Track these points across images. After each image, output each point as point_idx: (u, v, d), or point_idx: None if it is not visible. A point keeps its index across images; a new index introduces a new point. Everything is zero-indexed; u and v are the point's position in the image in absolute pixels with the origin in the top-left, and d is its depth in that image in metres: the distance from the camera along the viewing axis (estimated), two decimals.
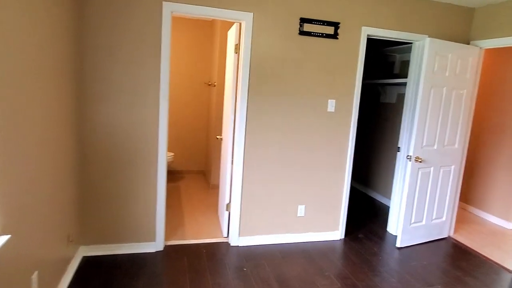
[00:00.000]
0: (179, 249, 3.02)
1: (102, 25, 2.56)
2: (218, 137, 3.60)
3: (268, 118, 3.05)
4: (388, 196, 4.66)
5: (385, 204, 4.69)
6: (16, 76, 1.59)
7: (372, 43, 4.91)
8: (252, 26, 2.85)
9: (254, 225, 3.20)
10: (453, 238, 3.68)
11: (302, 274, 2.76)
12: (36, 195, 1.87)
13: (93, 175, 2.73)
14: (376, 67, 4.95)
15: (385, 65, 4.79)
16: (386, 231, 3.76)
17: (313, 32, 2.99)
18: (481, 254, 3.34)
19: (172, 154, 4.89)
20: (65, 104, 2.29)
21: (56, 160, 2.16)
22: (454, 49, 3.21)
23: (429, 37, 3.28)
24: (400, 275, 2.84)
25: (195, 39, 5.18)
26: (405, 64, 4.41)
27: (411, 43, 3.48)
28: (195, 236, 3.29)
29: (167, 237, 3.20)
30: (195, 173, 5.57)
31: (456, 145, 3.48)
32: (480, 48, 3.38)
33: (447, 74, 3.22)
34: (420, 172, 3.29)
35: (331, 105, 3.18)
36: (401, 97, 4.47)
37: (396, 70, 4.55)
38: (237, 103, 3.03)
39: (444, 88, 3.24)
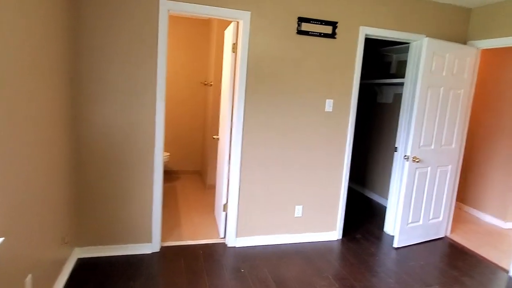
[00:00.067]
0: (175, 250, 2.99)
1: (98, 24, 2.52)
2: (214, 137, 3.57)
3: (266, 118, 3.03)
4: (385, 196, 4.67)
5: (381, 204, 4.69)
6: (11, 76, 1.55)
7: (369, 43, 4.90)
8: (250, 25, 2.83)
9: (251, 225, 3.18)
10: (449, 238, 3.69)
11: (300, 275, 2.74)
12: (30, 196, 1.83)
13: (88, 176, 2.69)
14: (372, 67, 4.94)
15: (381, 65, 4.79)
16: (383, 231, 3.76)
17: (311, 32, 2.97)
18: (477, 254, 3.35)
19: (168, 154, 4.85)
20: (60, 104, 2.25)
21: (51, 160, 2.12)
22: (451, 49, 3.21)
23: (426, 37, 3.27)
24: (397, 276, 2.83)
25: (191, 38, 5.15)
26: (402, 64, 4.41)
27: (409, 43, 3.48)
28: (191, 237, 3.26)
29: (163, 238, 3.17)
30: (191, 173, 5.53)
31: (453, 145, 3.49)
32: (477, 48, 3.38)
33: (444, 74, 3.22)
34: (417, 172, 3.29)
35: (328, 105, 3.16)
36: (397, 97, 4.47)
37: (393, 70, 4.55)
38: (234, 102, 3.01)
39: (442, 88, 3.24)
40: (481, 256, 3.31)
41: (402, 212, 3.28)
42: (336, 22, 3.02)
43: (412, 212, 3.36)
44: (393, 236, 3.61)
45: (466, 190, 4.61)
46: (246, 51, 2.85)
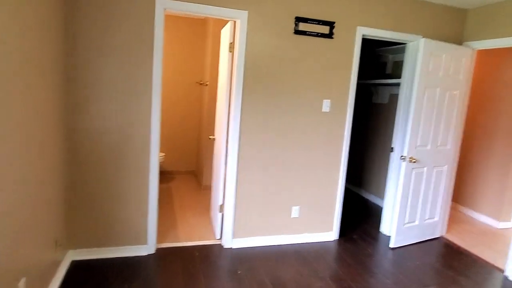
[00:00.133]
0: (171, 252, 2.95)
1: (93, 24, 2.47)
2: (210, 137, 3.54)
3: (263, 118, 3.01)
4: (381, 197, 4.68)
5: (377, 205, 4.70)
6: (4, 75, 1.51)
7: (365, 43, 4.91)
8: (247, 24, 2.80)
9: (248, 226, 3.16)
10: (445, 238, 3.70)
11: (297, 277, 2.72)
12: (23, 198, 1.78)
13: (82, 176, 2.65)
14: (368, 67, 4.95)
15: (377, 66, 4.80)
16: (379, 231, 3.76)
17: (308, 32, 2.96)
18: (473, 254, 3.37)
19: (163, 154, 4.81)
20: (54, 104, 2.20)
21: (44, 161, 2.08)
22: (448, 49, 3.22)
23: (423, 37, 3.28)
24: (395, 276, 2.83)
25: (186, 37, 5.11)
26: (398, 65, 4.42)
27: (405, 43, 3.49)
28: (187, 238, 3.23)
29: (159, 240, 3.13)
30: (186, 173, 5.49)
31: (449, 146, 3.50)
32: (473, 49, 3.40)
33: (440, 74, 3.23)
34: (413, 172, 3.29)
35: (326, 105, 3.15)
36: (393, 98, 4.48)
37: (389, 70, 4.56)
38: (231, 102, 2.98)
39: (438, 89, 3.25)
40: (477, 256, 3.32)
41: (399, 212, 3.29)
42: (334, 22, 3.01)
43: (408, 212, 3.37)
44: (389, 236, 3.61)
45: (461, 190, 4.64)
46: (243, 50, 2.83)
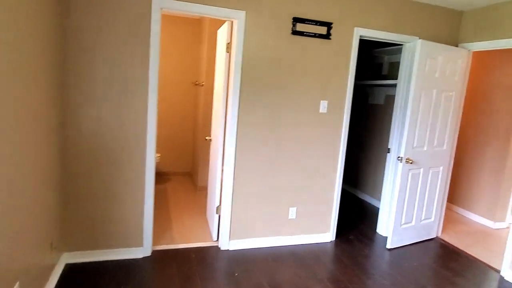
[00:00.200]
0: (167, 254, 2.92)
1: (89, 23, 2.43)
2: (207, 138, 3.51)
3: (260, 119, 2.99)
4: (377, 197, 4.68)
5: (373, 205, 4.71)
6: None
7: (361, 44, 4.91)
8: (245, 24, 2.78)
9: (245, 228, 3.13)
10: (441, 239, 3.72)
11: (295, 278, 2.71)
12: (15, 200, 1.74)
13: (77, 178, 2.60)
14: (364, 68, 4.96)
15: (373, 67, 4.81)
16: (375, 232, 3.76)
17: (306, 32, 2.95)
18: (469, 254, 3.38)
19: (159, 155, 4.77)
20: (48, 104, 2.16)
21: (39, 162, 2.04)
22: (444, 51, 3.23)
23: (419, 38, 3.29)
24: (392, 278, 2.83)
25: (181, 37, 5.07)
26: (393, 66, 4.43)
27: (401, 44, 3.49)
28: (183, 240, 3.20)
29: (154, 242, 3.09)
30: (182, 174, 5.45)
31: (445, 146, 3.52)
32: (469, 50, 3.42)
33: (437, 76, 3.24)
34: (410, 173, 3.30)
35: (323, 106, 3.14)
36: (389, 99, 4.49)
37: (384, 71, 4.57)
38: (228, 103, 2.96)
39: (434, 90, 3.26)
40: (472, 256, 3.34)
41: (395, 213, 3.29)
42: (331, 23, 3.01)
43: (405, 213, 3.37)
44: (386, 237, 3.62)
45: (456, 191, 4.66)
46: (240, 51, 2.81)
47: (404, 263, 3.09)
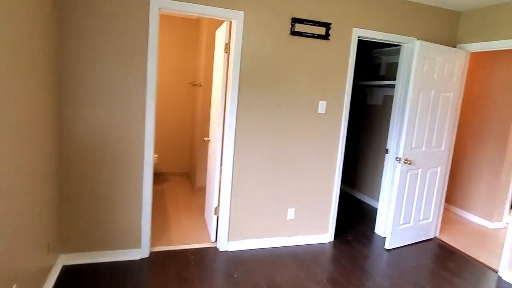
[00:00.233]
0: (165, 256, 2.90)
1: (86, 23, 2.41)
2: (205, 138, 3.50)
3: (259, 120, 2.98)
4: (374, 198, 4.69)
5: (371, 206, 4.71)
6: None
7: (359, 45, 4.92)
8: (243, 25, 2.77)
9: (244, 229, 3.12)
10: (439, 239, 3.73)
11: (294, 280, 2.70)
12: (13, 201, 1.72)
13: (74, 178, 2.58)
14: (362, 68, 4.96)
15: (371, 67, 4.82)
16: (374, 232, 3.76)
17: (305, 33, 2.94)
18: (466, 255, 3.39)
19: (156, 155, 4.74)
20: (46, 105, 2.14)
21: (36, 163, 2.01)
22: (442, 52, 3.24)
23: (418, 39, 3.29)
24: (391, 279, 2.83)
25: (179, 37, 5.05)
26: (391, 66, 4.44)
27: (399, 45, 3.49)
28: (181, 241, 3.18)
29: (152, 243, 3.07)
30: (179, 175, 5.43)
31: (443, 147, 3.53)
32: (467, 51, 3.43)
33: (435, 76, 3.25)
34: (408, 174, 3.30)
35: (321, 107, 3.14)
36: (387, 99, 4.50)
37: (382, 72, 4.58)
38: (226, 104, 2.95)
39: (432, 91, 3.27)
40: (470, 257, 3.35)
41: (394, 213, 3.29)
42: (330, 24, 3.00)
43: (403, 213, 3.37)
44: (384, 238, 3.62)
45: (453, 191, 4.68)
46: (239, 51, 2.80)
47: (403, 264, 3.09)
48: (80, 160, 2.57)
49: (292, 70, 2.99)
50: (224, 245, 3.08)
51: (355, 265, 3.01)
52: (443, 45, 3.41)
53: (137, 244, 2.83)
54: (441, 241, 3.68)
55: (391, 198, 3.51)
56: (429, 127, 3.34)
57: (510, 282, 2.92)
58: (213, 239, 3.20)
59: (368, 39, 3.22)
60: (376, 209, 4.55)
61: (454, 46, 3.52)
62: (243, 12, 2.75)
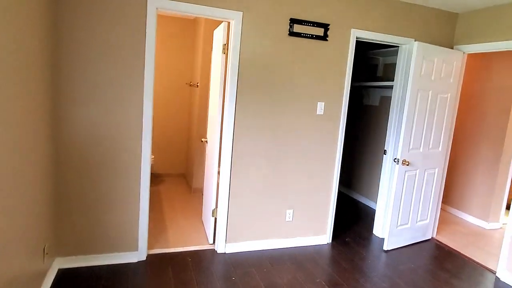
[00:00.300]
0: (163, 258, 2.87)
1: (82, 23, 2.38)
2: (203, 139, 3.47)
3: (257, 121, 2.96)
4: (372, 198, 4.69)
5: (369, 207, 4.71)
6: None
7: (356, 45, 4.92)
8: (242, 25, 2.75)
9: (242, 231, 3.10)
10: (436, 240, 3.73)
11: (293, 282, 2.68)
12: (8, 204, 1.68)
13: (70, 180, 2.54)
14: (359, 69, 4.97)
15: (368, 68, 4.82)
16: (372, 233, 3.76)
17: (303, 33, 2.93)
18: (464, 255, 3.40)
19: (152, 156, 4.70)
20: (40, 105, 2.10)
21: (30, 165, 1.98)
22: (439, 53, 3.24)
23: (415, 40, 3.30)
24: (391, 280, 2.82)
25: (175, 37, 5.02)
26: (388, 67, 4.45)
27: (397, 46, 3.50)
28: (179, 243, 3.15)
29: (149, 245, 3.04)
30: (175, 176, 5.39)
31: (440, 148, 3.53)
32: (464, 52, 3.44)
33: (433, 78, 3.25)
34: (406, 175, 3.30)
35: (320, 108, 3.13)
36: (384, 100, 4.50)
37: (379, 73, 4.58)
38: (225, 104, 2.92)
39: (430, 92, 3.27)
40: (468, 257, 3.36)
41: (392, 215, 3.29)
42: (328, 25, 2.99)
43: (401, 214, 3.37)
44: (382, 239, 3.62)
45: (449, 191, 4.69)
46: (237, 52, 2.78)
47: (401, 265, 3.09)
48: (75, 162, 2.53)
49: (291, 71, 2.97)
50: (222, 247, 3.05)
51: (353, 266, 3.00)
52: (441, 46, 3.41)
53: (134, 247, 2.79)
54: (439, 241, 3.69)
55: (389, 199, 3.51)
56: (426, 128, 3.35)
57: (508, 283, 2.93)
58: (211, 241, 3.18)
59: (366, 40, 3.21)
60: (374, 210, 4.55)
61: (451, 48, 3.53)
62: (241, 13, 2.73)
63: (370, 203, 4.72)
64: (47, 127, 2.27)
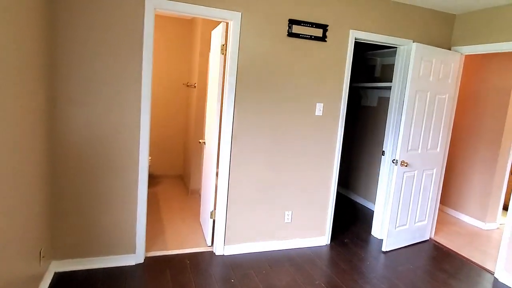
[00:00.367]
0: (161, 261, 2.84)
1: (80, 22, 2.35)
2: (201, 141, 3.45)
3: (255, 122, 2.94)
4: (370, 199, 4.69)
5: (367, 208, 4.71)
6: None
7: (354, 46, 4.91)
8: (240, 26, 2.74)
9: (240, 232, 3.08)
10: (434, 240, 3.74)
11: (292, 284, 2.67)
12: (3, 207, 1.65)
13: (67, 182, 2.50)
14: (357, 70, 4.97)
15: (366, 69, 4.82)
16: (370, 234, 3.76)
17: (302, 34, 2.92)
18: (462, 256, 3.40)
19: (150, 158, 4.67)
20: (36, 107, 2.07)
21: (26, 167, 1.94)
22: (438, 54, 3.25)
23: (414, 41, 3.30)
24: (390, 281, 2.81)
25: (173, 38, 4.99)
26: (386, 68, 4.45)
27: (395, 47, 3.50)
28: (177, 245, 3.12)
29: (147, 248, 3.01)
30: (173, 177, 5.36)
31: (438, 149, 3.54)
32: (461, 54, 3.45)
33: (431, 79, 3.26)
34: (405, 176, 3.30)
35: (319, 109, 3.12)
36: (382, 101, 4.50)
37: (377, 73, 4.59)
38: (223, 106, 2.90)
39: (428, 93, 3.28)
40: (466, 258, 3.36)
41: (390, 216, 3.29)
42: (327, 25, 2.99)
43: (399, 215, 3.37)
44: (380, 240, 3.61)
45: (447, 192, 4.70)
46: (236, 52, 2.76)
47: (400, 266, 3.09)
48: (72, 164, 2.49)
49: (290, 72, 2.96)
50: (221, 249, 3.03)
51: (352, 267, 2.99)
52: (438, 47, 3.42)
53: (131, 249, 2.76)
54: (437, 242, 3.69)
55: (388, 200, 3.51)
56: (425, 129, 3.35)
57: (506, 284, 2.93)
58: (209, 243, 3.15)
59: (365, 41, 3.21)
60: (372, 211, 4.55)
61: (449, 49, 3.54)
62: (240, 13, 2.71)
63: (368, 204, 4.72)
64: (44, 128, 2.24)
